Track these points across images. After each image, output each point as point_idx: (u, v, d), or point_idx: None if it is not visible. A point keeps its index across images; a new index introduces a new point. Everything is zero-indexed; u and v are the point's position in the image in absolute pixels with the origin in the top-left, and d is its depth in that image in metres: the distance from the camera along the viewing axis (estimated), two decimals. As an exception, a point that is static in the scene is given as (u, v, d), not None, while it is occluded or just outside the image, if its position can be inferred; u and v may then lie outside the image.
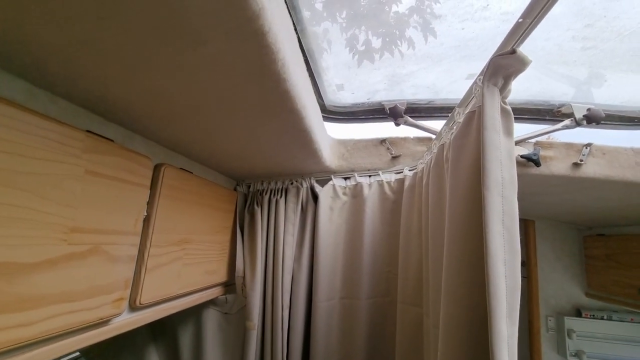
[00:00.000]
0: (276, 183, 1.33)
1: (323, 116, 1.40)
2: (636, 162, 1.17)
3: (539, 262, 2.27)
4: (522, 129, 1.28)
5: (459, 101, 1.37)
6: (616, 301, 1.92)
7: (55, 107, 0.60)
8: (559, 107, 1.27)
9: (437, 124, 1.42)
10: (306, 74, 0.80)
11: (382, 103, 1.34)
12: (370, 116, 1.42)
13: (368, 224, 1.26)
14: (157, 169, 0.85)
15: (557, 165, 1.20)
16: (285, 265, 1.25)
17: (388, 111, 1.27)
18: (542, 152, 1.21)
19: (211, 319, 1.28)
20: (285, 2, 0.82)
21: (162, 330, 1.29)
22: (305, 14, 0.97)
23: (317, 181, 1.35)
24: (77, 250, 0.61)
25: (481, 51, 1.04)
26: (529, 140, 1.24)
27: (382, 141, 1.34)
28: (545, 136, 1.23)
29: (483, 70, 0.53)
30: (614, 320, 2.08)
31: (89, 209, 0.63)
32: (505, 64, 0.50)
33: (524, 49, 0.85)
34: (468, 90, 0.71)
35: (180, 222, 0.94)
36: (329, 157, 1.28)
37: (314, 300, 1.23)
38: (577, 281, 2.22)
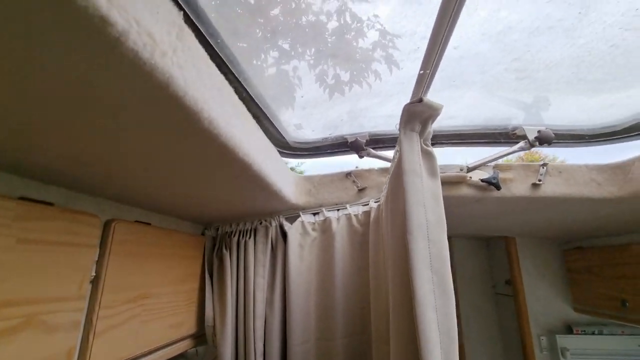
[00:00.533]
0: (245, 224, 1.32)
1: (288, 153, 1.42)
2: (591, 178, 1.21)
3: (524, 280, 2.26)
4: (480, 154, 1.31)
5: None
6: (603, 315, 1.90)
7: (-15, 177, 0.59)
8: (513, 130, 1.32)
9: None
10: (252, 122, 0.82)
11: (345, 136, 1.37)
12: (336, 150, 1.44)
13: (338, 259, 1.25)
14: (107, 225, 0.83)
15: (517, 187, 1.23)
16: (257, 309, 1.20)
17: (349, 144, 1.30)
18: (501, 175, 1.24)
19: (182, 374, 1.21)
20: (220, 56, 0.85)
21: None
22: (253, 62, 1.01)
23: (286, 219, 1.34)
24: (7, 326, 0.58)
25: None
26: (488, 164, 1.27)
27: (348, 174, 1.36)
28: (504, 158, 1.27)
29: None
30: (605, 335, 2.05)
31: (21, 279, 0.60)
32: (419, 111, 0.52)
33: (459, 83, 0.89)
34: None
35: (136, 278, 0.91)
36: (295, 194, 1.28)
37: (288, 345, 1.18)
38: (563, 296, 2.20)
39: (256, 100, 1.03)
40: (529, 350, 2.14)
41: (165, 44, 0.43)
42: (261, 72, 1.05)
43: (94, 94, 0.44)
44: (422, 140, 0.54)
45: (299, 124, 1.25)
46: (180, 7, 0.52)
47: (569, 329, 2.12)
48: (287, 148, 1.36)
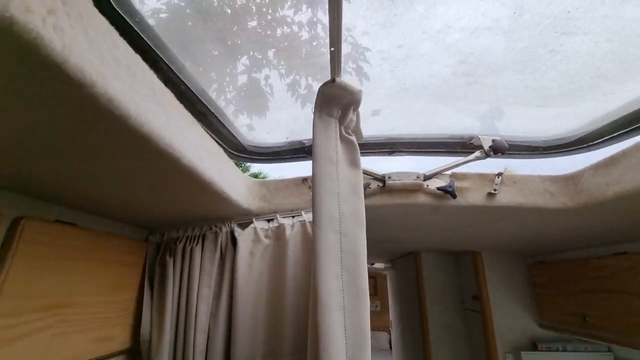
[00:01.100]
0: (193, 230, 1.24)
1: (245, 157, 1.37)
2: (544, 189, 1.21)
3: (491, 295, 2.24)
4: (439, 162, 1.30)
5: (380, 135, 1.38)
6: (567, 330, 1.89)
7: None
8: (470, 140, 1.32)
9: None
10: (186, 115, 0.76)
11: (302, 141, 1.33)
12: (294, 155, 1.40)
13: (291, 268, 1.18)
14: (14, 224, 0.74)
15: (473, 196, 1.22)
16: (199, 323, 1.11)
17: (306, 149, 1.26)
18: (457, 184, 1.23)
19: (113, 396, 1.08)
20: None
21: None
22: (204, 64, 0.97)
23: (238, 225, 1.27)
24: None
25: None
26: (445, 173, 1.25)
27: (304, 179, 1.31)
28: (461, 167, 1.26)
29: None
30: (568, 351, 2.04)
31: None
32: (336, 95, 0.48)
33: (409, 85, 0.87)
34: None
35: (50, 284, 0.82)
36: (247, 199, 1.22)
37: (232, 362, 1.09)
38: (529, 312, 2.19)
39: (201, 99, 0.98)
40: (496, 369, 2.10)
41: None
42: (207, 71, 1.01)
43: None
44: (342, 127, 0.50)
45: (250, 125, 1.20)
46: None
47: (534, 346, 2.10)
48: (242, 151, 1.31)
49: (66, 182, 0.78)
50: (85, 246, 0.93)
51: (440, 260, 2.71)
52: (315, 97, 0.50)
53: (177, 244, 1.20)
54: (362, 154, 1.41)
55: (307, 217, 1.25)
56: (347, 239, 0.44)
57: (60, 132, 0.56)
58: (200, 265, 1.18)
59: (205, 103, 1.00)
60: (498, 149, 1.20)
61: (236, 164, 1.21)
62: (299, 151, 1.34)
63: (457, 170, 1.26)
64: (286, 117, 1.31)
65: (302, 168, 1.48)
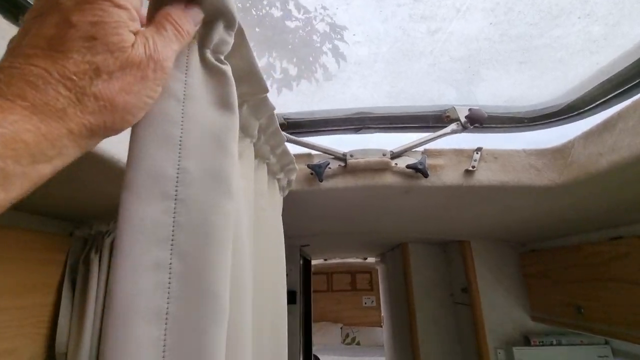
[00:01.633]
0: (127, 222, 1.07)
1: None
2: (529, 164, 1.05)
3: (480, 287, 2.09)
4: (413, 138, 1.14)
5: (344, 109, 1.22)
6: (560, 323, 1.74)
7: None
8: (446, 112, 1.16)
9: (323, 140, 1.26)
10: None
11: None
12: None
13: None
14: None
15: (448, 175, 1.05)
16: (129, 329, 0.95)
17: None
18: (430, 161, 1.06)
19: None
20: None
21: None
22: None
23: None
24: None
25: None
26: (416, 150, 1.09)
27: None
28: (434, 143, 1.10)
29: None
30: (563, 345, 1.89)
31: None
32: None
33: (372, 37, 0.70)
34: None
35: None
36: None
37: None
38: (521, 304, 2.04)
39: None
40: (486, 366, 1.95)
41: None
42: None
43: None
44: (206, 50, 0.34)
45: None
46: None
47: (526, 340, 1.96)
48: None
49: None
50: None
51: (428, 252, 2.56)
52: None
53: (104, 238, 1.03)
54: (323, 132, 1.26)
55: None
56: (188, 208, 0.28)
57: None
58: (133, 262, 1.01)
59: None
60: (475, 119, 1.04)
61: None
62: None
63: (430, 146, 1.10)
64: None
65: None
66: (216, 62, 0.35)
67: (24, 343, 0.88)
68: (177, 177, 0.28)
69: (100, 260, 1.00)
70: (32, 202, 0.87)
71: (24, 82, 0.19)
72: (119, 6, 0.22)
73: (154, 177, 0.28)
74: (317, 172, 1.03)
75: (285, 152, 0.74)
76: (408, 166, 1.03)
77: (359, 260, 4.73)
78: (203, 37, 0.34)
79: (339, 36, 1.29)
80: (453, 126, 1.08)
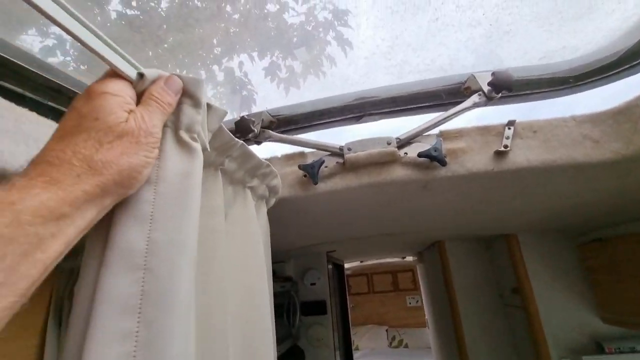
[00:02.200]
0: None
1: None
2: (582, 135, 0.81)
3: (534, 286, 1.79)
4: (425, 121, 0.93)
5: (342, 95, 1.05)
6: (636, 325, 1.42)
7: None
8: (465, 84, 0.94)
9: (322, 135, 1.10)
10: None
11: (237, 119, 1.02)
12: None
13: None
14: None
15: (473, 159, 0.84)
16: None
17: (234, 128, 0.95)
18: (447, 145, 0.86)
19: None
20: None
21: None
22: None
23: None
24: None
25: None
26: (428, 133, 0.89)
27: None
28: (450, 123, 0.89)
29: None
30: (647, 352, 1.55)
31: None
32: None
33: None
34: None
35: None
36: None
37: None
38: (586, 305, 1.71)
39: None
40: (549, 378, 1.66)
41: None
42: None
43: None
44: (180, 132, 0.31)
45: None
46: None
47: (599, 347, 1.63)
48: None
49: None
50: None
51: (468, 249, 2.28)
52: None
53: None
54: (320, 125, 1.09)
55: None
56: (155, 276, 0.29)
57: None
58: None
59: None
60: (502, 84, 0.82)
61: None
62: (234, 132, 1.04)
63: (446, 127, 0.89)
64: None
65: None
66: (187, 140, 0.35)
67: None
68: (147, 248, 0.30)
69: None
70: None
71: (45, 164, 0.27)
72: (116, 95, 0.31)
73: (127, 252, 0.30)
74: (310, 173, 0.86)
75: (246, 154, 0.58)
76: (420, 154, 0.83)
77: (397, 259, 4.46)
78: (176, 119, 0.35)
79: (342, 21, 1.16)
80: (474, 98, 0.87)
